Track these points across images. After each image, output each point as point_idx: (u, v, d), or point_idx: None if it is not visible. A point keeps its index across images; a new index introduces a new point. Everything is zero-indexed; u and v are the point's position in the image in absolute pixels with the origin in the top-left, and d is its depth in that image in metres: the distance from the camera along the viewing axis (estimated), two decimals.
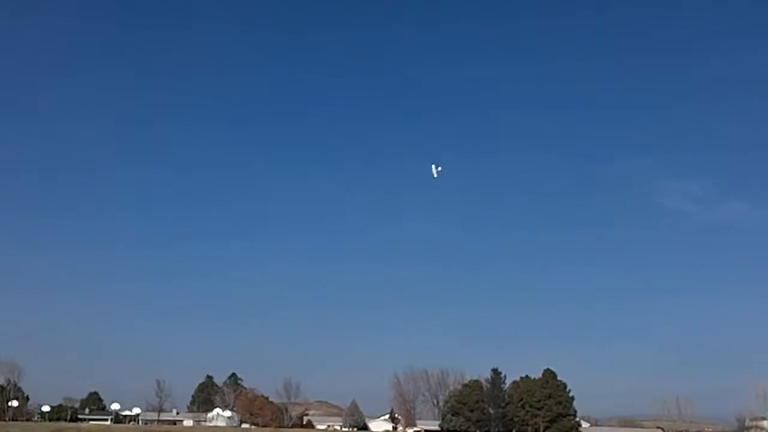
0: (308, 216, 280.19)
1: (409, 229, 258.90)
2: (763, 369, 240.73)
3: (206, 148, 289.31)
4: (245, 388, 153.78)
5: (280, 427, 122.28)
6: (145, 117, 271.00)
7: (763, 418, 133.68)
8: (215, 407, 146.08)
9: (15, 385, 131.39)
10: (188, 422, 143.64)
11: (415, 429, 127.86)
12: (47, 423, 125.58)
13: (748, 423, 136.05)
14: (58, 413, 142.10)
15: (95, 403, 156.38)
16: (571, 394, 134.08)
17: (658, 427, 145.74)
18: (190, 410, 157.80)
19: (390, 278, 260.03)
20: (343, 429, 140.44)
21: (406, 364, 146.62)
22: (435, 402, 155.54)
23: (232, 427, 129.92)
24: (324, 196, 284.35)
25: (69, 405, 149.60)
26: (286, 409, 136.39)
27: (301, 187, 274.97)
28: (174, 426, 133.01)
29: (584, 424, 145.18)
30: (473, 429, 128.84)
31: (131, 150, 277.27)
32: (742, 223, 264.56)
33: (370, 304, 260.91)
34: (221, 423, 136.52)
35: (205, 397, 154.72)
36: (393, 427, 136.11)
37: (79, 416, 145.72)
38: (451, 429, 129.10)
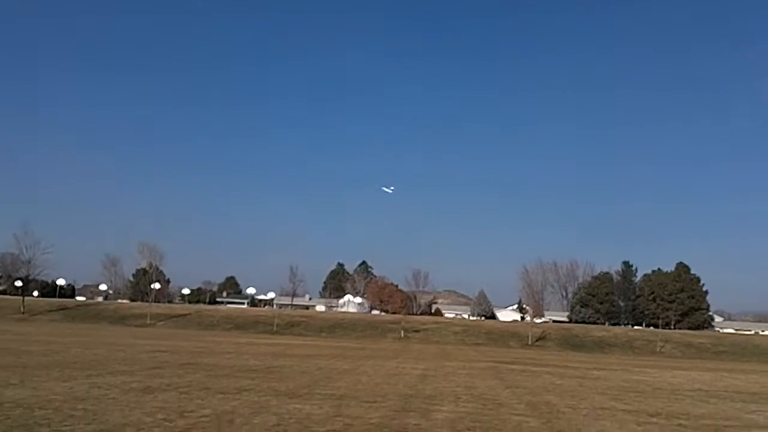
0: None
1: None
2: None
3: None
4: (375, 276, 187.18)
5: (409, 314, 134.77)
6: None
7: None
8: (346, 294, 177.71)
9: (157, 268, 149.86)
10: (320, 307, 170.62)
11: (543, 319, 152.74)
12: (187, 305, 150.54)
13: None
14: (197, 296, 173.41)
15: (232, 287, 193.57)
16: (704, 289, 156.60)
17: None
18: (322, 296, 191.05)
19: (522, 171, 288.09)
20: (471, 318, 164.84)
21: (535, 256, 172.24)
22: (564, 294, 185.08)
23: (363, 312, 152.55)
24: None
25: (207, 288, 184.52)
26: (415, 298, 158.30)
27: None
28: (307, 310, 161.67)
29: (717, 318, 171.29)
30: (602, 321, 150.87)
31: None
32: None
33: (500, 197, 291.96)
34: (352, 309, 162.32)
35: (336, 284, 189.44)
36: (521, 317, 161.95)
37: (217, 299, 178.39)
38: (579, 320, 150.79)
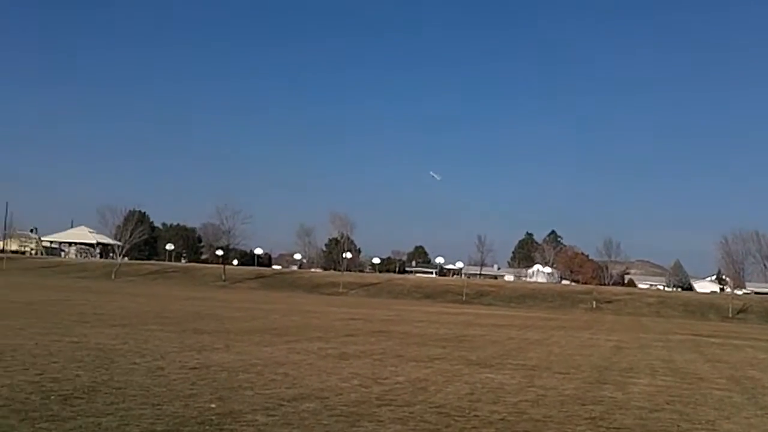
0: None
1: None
2: None
3: None
4: (565, 246, 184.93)
5: (600, 284, 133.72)
6: None
7: None
8: (535, 263, 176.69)
9: (348, 238, 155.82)
10: (509, 277, 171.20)
11: (744, 291, 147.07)
12: (378, 274, 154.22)
13: None
14: (387, 265, 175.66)
15: (421, 257, 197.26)
16: None
17: None
18: (510, 266, 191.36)
19: (720, 137, 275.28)
20: (666, 289, 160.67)
21: (735, 225, 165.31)
22: (766, 264, 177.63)
23: (553, 283, 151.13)
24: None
25: (397, 258, 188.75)
26: (607, 268, 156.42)
27: None
28: (496, 280, 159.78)
29: None
30: None
31: None
32: None
33: (693, 164, 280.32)
34: (541, 279, 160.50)
35: (525, 254, 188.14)
36: (720, 288, 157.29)
37: (406, 268, 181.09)
38: None
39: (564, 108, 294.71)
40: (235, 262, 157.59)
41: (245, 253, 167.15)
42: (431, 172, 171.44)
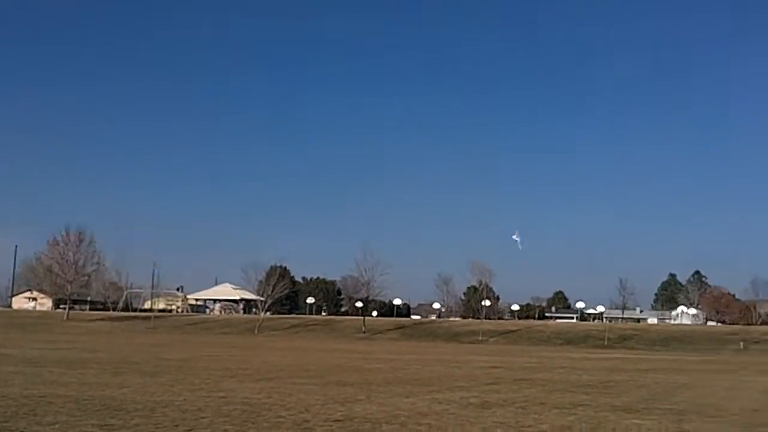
0: None
1: None
2: None
3: None
4: (710, 286, 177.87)
5: (748, 324, 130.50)
6: None
7: None
8: (679, 305, 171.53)
9: (487, 285, 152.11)
10: (652, 320, 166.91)
11: None
12: (517, 321, 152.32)
13: None
14: (526, 311, 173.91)
15: (560, 302, 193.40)
16: None
17: None
18: (653, 308, 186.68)
19: None
20: None
21: None
22: None
23: (698, 324, 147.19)
24: None
25: (536, 304, 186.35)
26: (755, 307, 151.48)
27: None
28: (639, 323, 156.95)
29: None
30: None
31: None
32: None
33: None
34: (686, 321, 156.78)
35: (668, 295, 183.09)
36: None
37: (546, 314, 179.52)
38: None
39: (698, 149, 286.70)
40: (375, 313, 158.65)
41: (384, 303, 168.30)
42: (514, 236, 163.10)
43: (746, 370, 49.53)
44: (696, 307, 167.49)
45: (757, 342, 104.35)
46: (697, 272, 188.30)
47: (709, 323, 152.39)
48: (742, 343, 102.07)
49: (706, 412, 21.12)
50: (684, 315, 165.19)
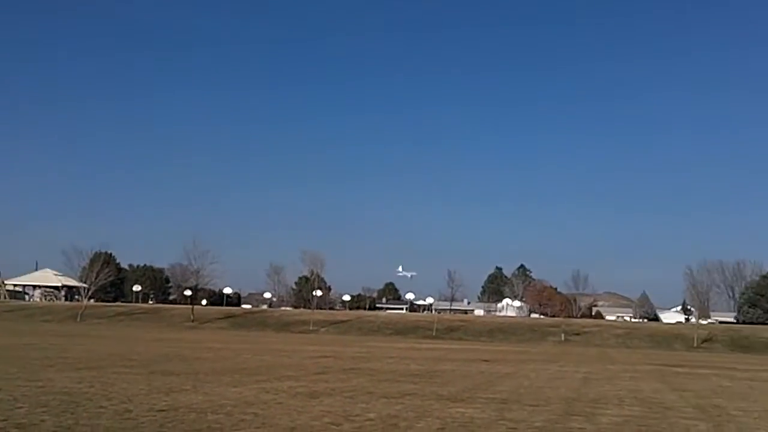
0: None
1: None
2: None
3: None
4: (534, 279, 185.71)
5: (569, 317, 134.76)
6: None
7: None
8: (504, 297, 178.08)
9: (318, 276, 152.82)
10: (479, 311, 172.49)
11: (710, 321, 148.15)
12: (348, 311, 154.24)
13: None
14: (357, 302, 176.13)
15: (391, 293, 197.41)
16: None
17: None
18: (480, 300, 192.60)
19: (682, 171, 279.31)
20: (633, 320, 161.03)
21: (699, 256, 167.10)
22: (730, 294, 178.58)
23: (522, 316, 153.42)
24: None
25: (367, 295, 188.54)
26: (575, 300, 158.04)
27: None
28: (466, 315, 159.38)
29: None
30: None
31: None
32: None
33: (657, 197, 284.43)
34: (511, 313, 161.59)
35: (494, 288, 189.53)
36: (685, 318, 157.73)
37: (377, 305, 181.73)
38: (747, 321, 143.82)
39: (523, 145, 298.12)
40: (204, 302, 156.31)
41: (214, 292, 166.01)
42: (400, 270, 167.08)
43: (566, 361, 51.69)
44: (521, 300, 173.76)
45: (577, 334, 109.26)
46: (522, 266, 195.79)
47: (533, 315, 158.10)
48: (563, 335, 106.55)
49: (527, 400, 21.82)
50: (509, 307, 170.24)
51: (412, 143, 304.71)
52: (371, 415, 16.94)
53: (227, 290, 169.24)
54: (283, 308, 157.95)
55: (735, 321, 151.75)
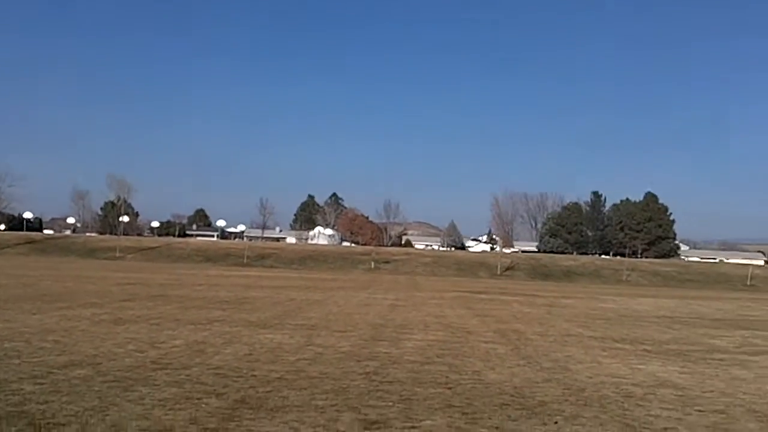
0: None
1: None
2: None
3: None
4: (346, 208, 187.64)
5: (379, 245, 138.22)
6: None
7: None
8: (317, 226, 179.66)
9: (125, 201, 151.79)
10: (291, 239, 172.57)
11: (513, 250, 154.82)
12: (157, 238, 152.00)
13: None
14: (166, 229, 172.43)
15: (202, 220, 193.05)
16: (672, 218, 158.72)
17: (759, 251, 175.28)
18: (292, 228, 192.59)
19: (492, 98, 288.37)
20: (441, 249, 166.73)
21: (506, 187, 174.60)
22: (533, 224, 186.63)
23: (334, 244, 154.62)
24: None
25: (177, 221, 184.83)
26: (386, 229, 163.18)
27: None
28: (278, 242, 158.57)
29: (683, 247, 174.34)
30: (571, 250, 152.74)
31: None
32: None
33: (467, 126, 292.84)
34: (323, 241, 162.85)
35: (306, 216, 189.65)
36: (491, 247, 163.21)
37: (187, 232, 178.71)
38: (548, 250, 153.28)
39: (340, 68, 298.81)
40: (2, 227, 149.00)
41: (13, 217, 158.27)
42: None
43: (375, 288, 52.96)
44: (333, 228, 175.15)
45: (387, 262, 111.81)
46: (335, 194, 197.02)
47: (344, 243, 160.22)
48: (373, 263, 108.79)
49: (336, 326, 22.30)
50: (321, 235, 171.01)
51: (229, 66, 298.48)
52: (177, 342, 16.88)
53: (28, 215, 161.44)
54: (88, 234, 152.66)
55: (537, 250, 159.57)
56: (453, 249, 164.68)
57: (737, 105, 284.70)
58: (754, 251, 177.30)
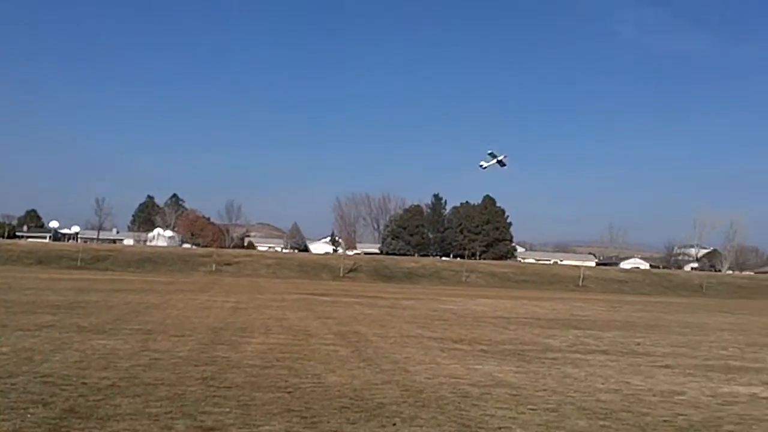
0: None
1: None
2: (698, 201, 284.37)
3: None
4: (186, 209, 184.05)
5: (221, 247, 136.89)
6: None
7: (691, 246, 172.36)
8: (156, 227, 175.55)
9: None
10: (129, 241, 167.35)
11: (356, 251, 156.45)
12: None
13: (675, 250, 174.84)
14: None
15: (33, 221, 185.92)
16: (508, 220, 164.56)
17: (590, 253, 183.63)
18: (130, 230, 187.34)
19: (330, 100, 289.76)
20: (284, 250, 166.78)
21: (349, 188, 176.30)
22: (376, 226, 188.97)
23: (174, 246, 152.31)
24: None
25: (6, 222, 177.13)
26: (228, 231, 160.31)
27: None
28: (115, 244, 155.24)
29: (519, 249, 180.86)
30: (412, 252, 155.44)
31: None
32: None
33: (312, 126, 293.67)
34: (162, 243, 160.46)
35: (145, 217, 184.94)
36: (333, 249, 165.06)
37: (17, 233, 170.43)
38: (390, 252, 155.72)
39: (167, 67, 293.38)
40: None
41: None
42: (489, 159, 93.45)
43: (216, 291, 52.28)
44: (173, 230, 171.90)
45: (228, 264, 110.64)
46: (175, 195, 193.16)
47: (185, 245, 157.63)
48: (214, 265, 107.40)
49: (174, 330, 21.84)
50: (160, 237, 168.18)
51: (55, 65, 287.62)
52: (4, 350, 16.10)
53: None
54: None
55: (379, 252, 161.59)
56: (296, 251, 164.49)
57: (567, 113, 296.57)
58: (586, 253, 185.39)
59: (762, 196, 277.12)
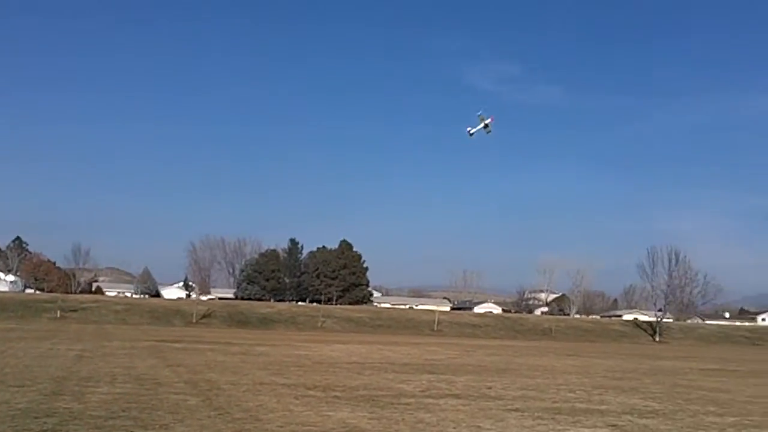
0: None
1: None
2: (547, 247, 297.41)
3: None
4: (30, 253, 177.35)
5: (67, 293, 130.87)
6: None
7: (541, 291, 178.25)
8: None
9: None
10: None
11: (210, 297, 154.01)
12: None
13: (527, 295, 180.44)
14: None
15: None
16: (365, 265, 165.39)
17: (445, 297, 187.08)
18: None
19: (180, 143, 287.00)
20: (135, 296, 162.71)
21: (203, 232, 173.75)
22: (231, 270, 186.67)
23: (16, 291, 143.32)
24: None
25: None
26: (74, 275, 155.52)
27: None
28: None
29: (376, 294, 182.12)
30: (268, 297, 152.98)
31: None
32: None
33: (165, 169, 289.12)
34: (4, 288, 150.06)
35: None
36: (186, 294, 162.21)
37: None
38: (245, 297, 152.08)
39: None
40: None
41: None
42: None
43: (60, 338, 50.32)
44: (15, 274, 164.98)
45: (74, 310, 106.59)
46: (18, 238, 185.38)
47: (28, 291, 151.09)
48: (59, 311, 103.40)
49: (12, 381, 20.93)
50: (2, 282, 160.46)
51: None
52: None
53: None
54: None
55: (234, 297, 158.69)
56: (147, 296, 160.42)
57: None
58: (441, 297, 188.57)
59: (606, 244, 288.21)
